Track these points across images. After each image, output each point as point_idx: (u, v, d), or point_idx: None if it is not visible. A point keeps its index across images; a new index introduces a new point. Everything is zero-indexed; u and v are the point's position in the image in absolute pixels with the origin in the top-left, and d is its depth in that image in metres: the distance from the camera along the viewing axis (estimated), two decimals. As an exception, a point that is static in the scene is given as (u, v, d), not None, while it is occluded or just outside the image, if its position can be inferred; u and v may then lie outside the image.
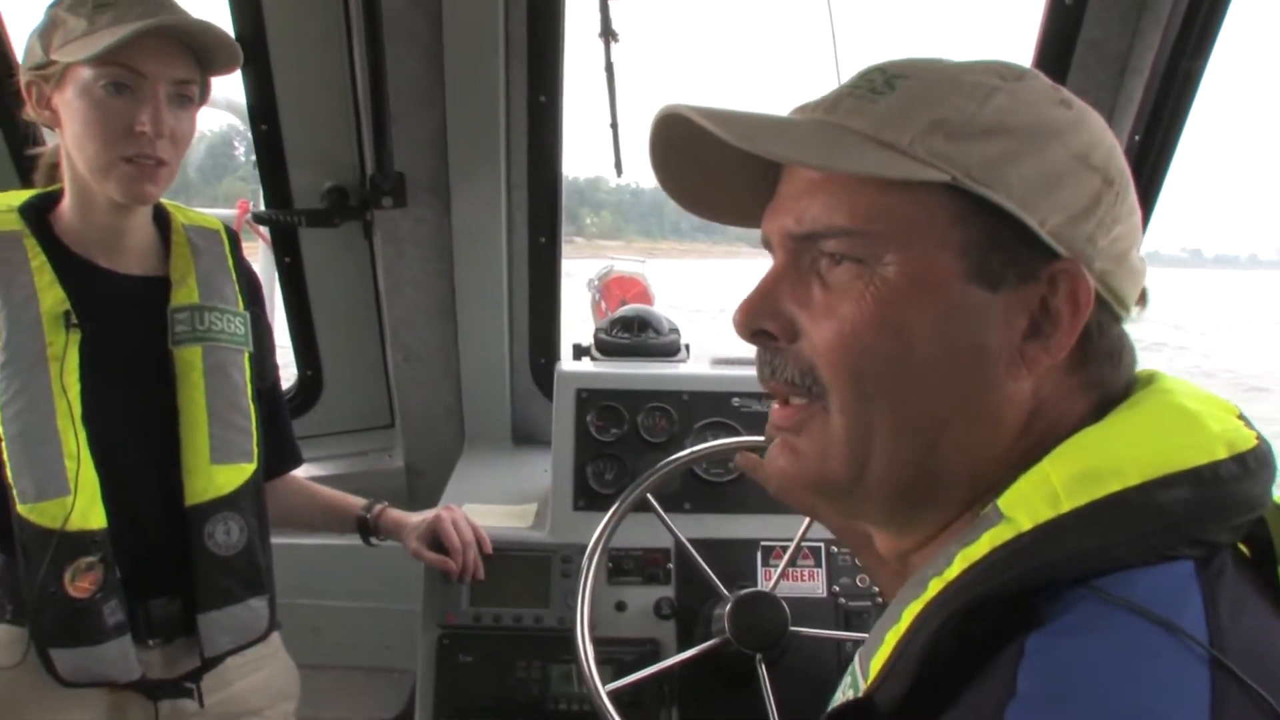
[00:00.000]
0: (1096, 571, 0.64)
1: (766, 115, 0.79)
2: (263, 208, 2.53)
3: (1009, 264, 0.72)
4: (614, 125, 2.45)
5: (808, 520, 1.87)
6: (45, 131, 2.25)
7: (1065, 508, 0.66)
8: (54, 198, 1.65)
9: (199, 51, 1.58)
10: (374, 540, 1.98)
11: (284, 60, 2.31)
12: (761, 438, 1.90)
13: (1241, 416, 0.74)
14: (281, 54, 2.30)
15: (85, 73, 1.50)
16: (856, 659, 0.79)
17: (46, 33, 1.53)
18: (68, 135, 1.55)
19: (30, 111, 1.59)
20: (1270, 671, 0.60)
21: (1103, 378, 0.77)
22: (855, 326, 0.74)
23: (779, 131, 0.76)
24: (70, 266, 1.60)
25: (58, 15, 1.52)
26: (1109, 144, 0.76)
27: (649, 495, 1.87)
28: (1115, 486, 0.65)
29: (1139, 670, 0.59)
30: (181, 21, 1.52)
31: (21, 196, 1.65)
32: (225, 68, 1.63)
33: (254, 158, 2.50)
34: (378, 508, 1.97)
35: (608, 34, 2.28)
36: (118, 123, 1.51)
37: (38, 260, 1.57)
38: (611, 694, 1.71)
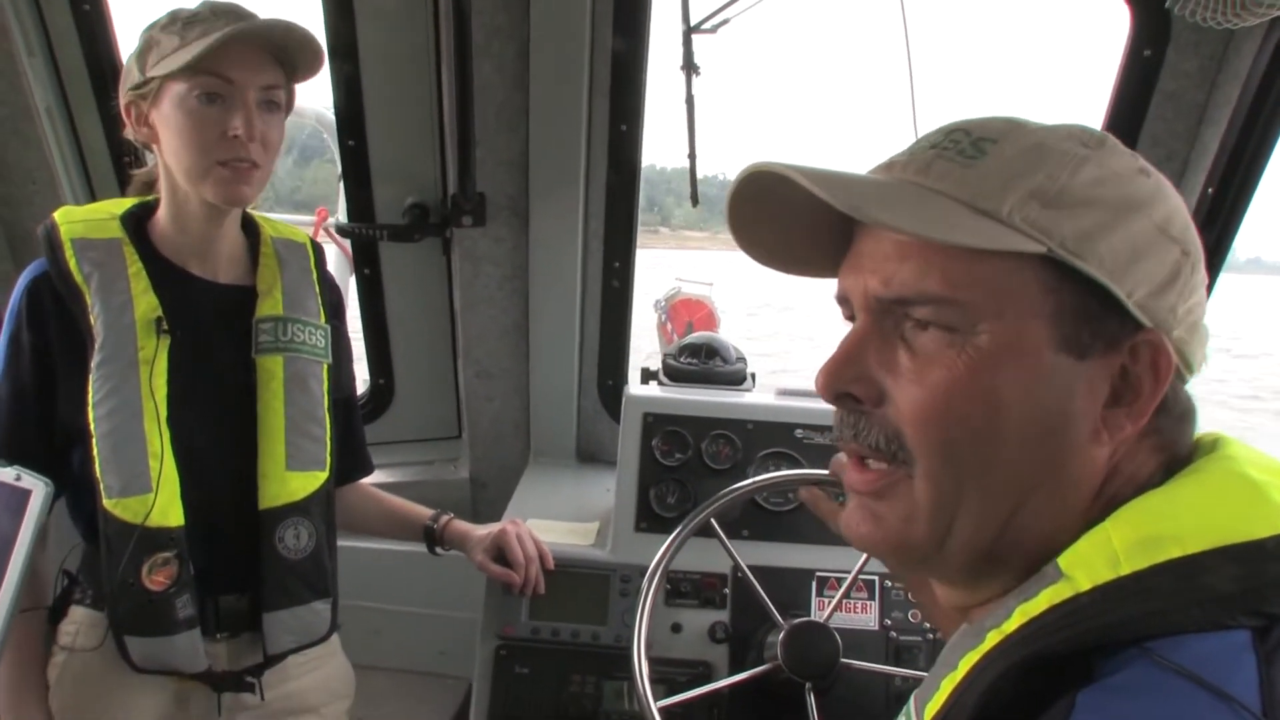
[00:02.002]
0: (1152, 634, 0.65)
1: (861, 176, 0.80)
2: (343, 217, 2.61)
3: (1097, 334, 0.73)
4: (692, 155, 2.49)
5: (864, 556, 1.89)
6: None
7: (1124, 570, 0.67)
8: (151, 207, 1.73)
9: (283, 58, 1.65)
10: (439, 550, 2.03)
11: (374, 78, 2.38)
12: (824, 471, 1.93)
13: None
14: (372, 72, 2.37)
15: (179, 86, 1.57)
16: (912, 700, 0.81)
17: (142, 55, 1.61)
18: (165, 147, 1.63)
19: (130, 132, 1.67)
20: None
21: (1173, 440, 0.78)
22: (947, 394, 0.74)
23: (879, 196, 0.76)
24: (164, 273, 1.68)
25: (152, 37, 1.60)
26: (1185, 215, 0.77)
27: (712, 520, 1.90)
28: (1175, 553, 0.66)
29: None
30: (264, 25, 1.58)
31: (123, 205, 1.73)
32: (310, 70, 1.69)
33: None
34: (444, 519, 2.01)
35: (689, 67, 2.33)
36: (212, 129, 1.58)
37: (135, 267, 1.65)
38: (663, 710, 1.74)
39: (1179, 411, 0.78)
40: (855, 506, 0.82)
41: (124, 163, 2.52)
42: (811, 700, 1.77)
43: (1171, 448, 0.78)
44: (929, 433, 0.75)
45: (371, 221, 2.56)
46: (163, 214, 1.71)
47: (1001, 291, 0.73)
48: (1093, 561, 0.68)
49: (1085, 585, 0.67)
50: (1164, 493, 0.72)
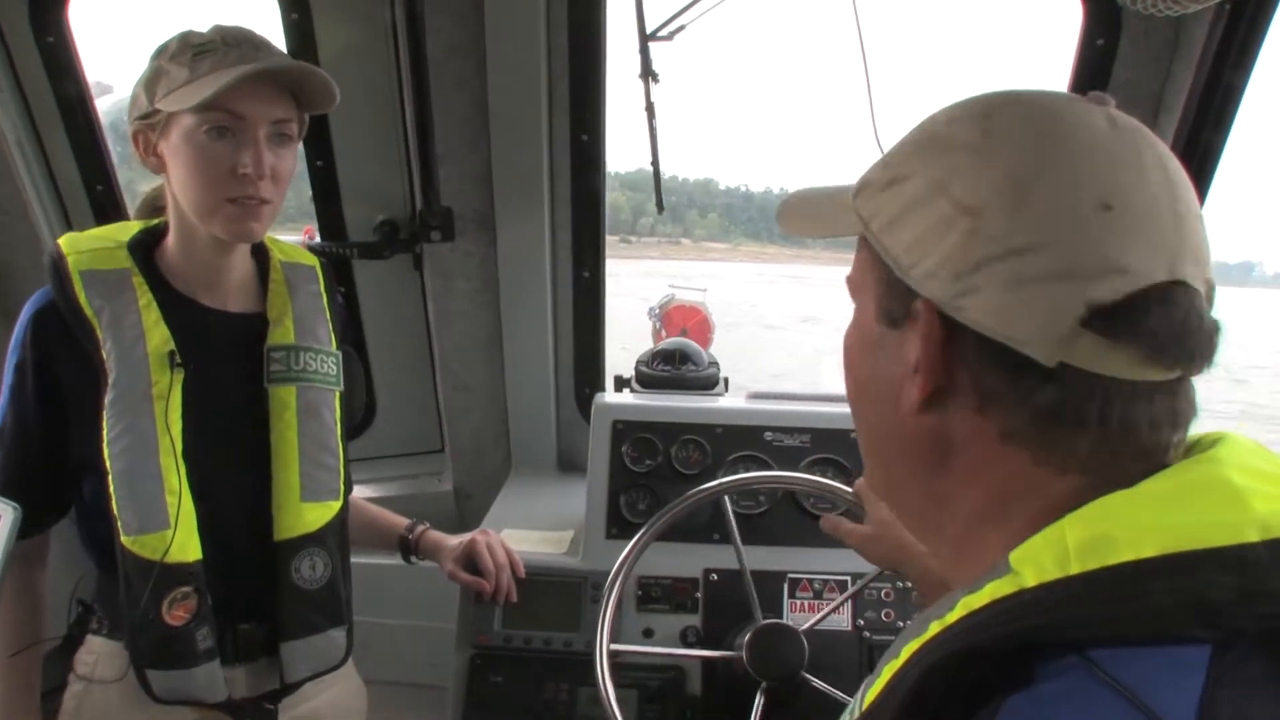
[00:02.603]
0: (1098, 641, 0.62)
1: (813, 193, 0.91)
2: (315, 238, 2.63)
3: (895, 302, 0.75)
4: (655, 163, 2.51)
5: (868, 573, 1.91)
6: (128, 169, 2.39)
7: (1073, 570, 0.63)
8: (158, 233, 1.70)
9: (296, 91, 1.61)
10: (414, 560, 2.04)
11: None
12: (789, 474, 1.94)
13: None
14: None
15: (188, 119, 1.53)
16: (862, 687, 0.79)
17: (151, 83, 1.56)
18: (173, 179, 1.60)
19: (139, 158, 1.63)
20: None
21: (1023, 426, 0.71)
22: (845, 362, 0.86)
23: (802, 207, 0.91)
24: (174, 303, 1.65)
25: (161, 66, 1.55)
26: (981, 176, 0.70)
27: (727, 503, 1.93)
28: (1128, 556, 0.61)
29: None
30: (280, 65, 1.55)
31: (129, 231, 1.69)
32: (323, 107, 1.65)
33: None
34: (419, 529, 2.02)
35: (648, 75, 2.34)
36: (221, 166, 1.54)
37: (145, 299, 1.61)
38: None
39: (1045, 406, 0.69)
40: None
41: (98, 191, 2.54)
42: (760, 701, 1.77)
43: (1024, 437, 0.71)
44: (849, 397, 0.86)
45: (343, 240, 2.58)
46: (171, 242, 1.68)
47: (860, 272, 0.81)
48: (1042, 558, 0.65)
49: (1031, 582, 0.64)
50: (1130, 493, 0.66)
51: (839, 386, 0.91)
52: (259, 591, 1.70)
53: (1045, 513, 0.69)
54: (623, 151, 2.64)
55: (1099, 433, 0.69)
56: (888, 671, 0.71)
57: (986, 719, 0.62)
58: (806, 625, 1.86)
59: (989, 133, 0.72)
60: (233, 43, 1.54)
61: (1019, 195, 0.69)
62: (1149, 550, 0.61)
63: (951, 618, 0.67)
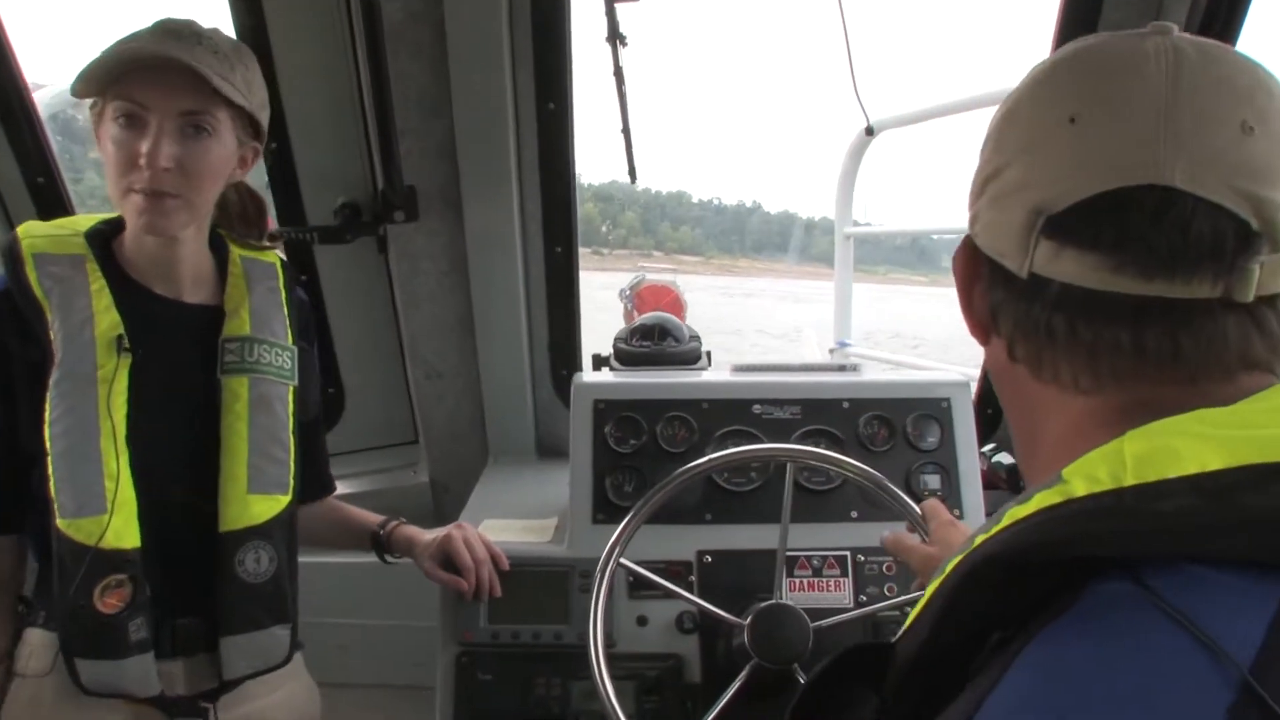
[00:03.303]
0: (1150, 560, 0.57)
1: None
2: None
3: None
4: (626, 131, 2.41)
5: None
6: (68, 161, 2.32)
7: (1128, 482, 0.58)
8: (119, 224, 1.69)
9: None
10: (388, 559, 1.97)
11: (290, 77, 2.30)
12: (781, 445, 1.86)
13: None
14: (287, 71, 2.29)
15: (108, 107, 1.55)
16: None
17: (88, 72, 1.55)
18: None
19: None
20: None
21: (1016, 345, 0.75)
22: None
23: None
24: (128, 292, 1.64)
25: (100, 56, 1.55)
26: (1002, 110, 0.78)
27: (789, 493, 1.84)
28: (1190, 469, 0.57)
29: (1144, 680, 0.53)
30: (147, 51, 1.52)
31: (90, 221, 1.69)
32: (230, 96, 1.60)
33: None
34: (391, 525, 1.96)
35: (615, 38, 2.24)
36: (124, 154, 1.54)
37: (97, 284, 1.61)
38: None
39: (1016, 320, 0.74)
40: None
41: (39, 184, 2.44)
42: (746, 673, 1.71)
43: (1021, 354, 0.75)
44: None
45: (303, 224, 2.47)
46: (127, 232, 1.67)
47: None
48: (1096, 470, 0.60)
49: (1080, 492, 0.60)
50: (1197, 414, 0.62)
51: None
52: (201, 585, 1.68)
53: (1070, 435, 0.71)
54: (593, 163, 2.59)
55: (1084, 349, 0.69)
56: (930, 589, 0.68)
57: (1022, 644, 0.58)
58: (822, 622, 1.77)
59: (1036, 78, 0.76)
60: (157, 30, 1.55)
61: (1008, 120, 0.76)
62: (1215, 463, 0.56)
63: (996, 529, 0.64)
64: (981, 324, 0.78)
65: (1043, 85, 0.74)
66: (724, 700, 1.68)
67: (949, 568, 0.66)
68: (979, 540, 0.64)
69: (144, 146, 1.52)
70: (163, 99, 1.53)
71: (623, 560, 1.77)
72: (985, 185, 0.75)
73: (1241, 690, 0.50)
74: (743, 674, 1.71)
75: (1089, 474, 0.60)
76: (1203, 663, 0.52)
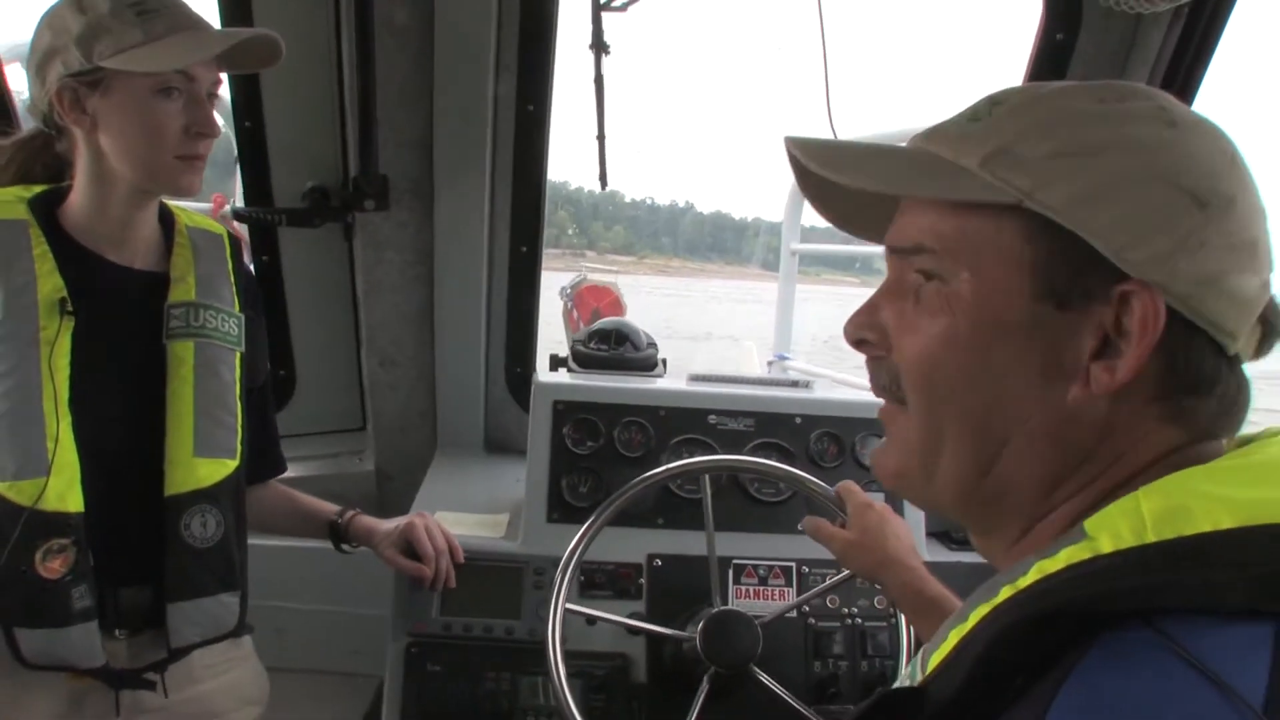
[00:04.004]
0: (1167, 610, 0.62)
1: (865, 144, 0.85)
2: (241, 204, 2.52)
3: (1075, 283, 0.72)
4: (600, 137, 2.45)
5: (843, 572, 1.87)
6: None
7: (1150, 539, 0.63)
8: (62, 193, 1.67)
9: (232, 55, 1.63)
10: (345, 547, 1.98)
11: None
12: (739, 457, 1.92)
13: None
14: None
15: (140, 79, 1.55)
16: (920, 653, 0.82)
17: (86, 40, 1.53)
18: (110, 137, 1.58)
19: (58, 115, 1.59)
20: None
21: (1191, 410, 0.74)
22: (931, 340, 0.78)
23: (859, 159, 0.82)
24: (73, 257, 1.63)
25: (100, 21, 1.53)
26: (1209, 165, 0.73)
27: (709, 501, 1.90)
28: (1205, 527, 0.62)
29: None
30: (250, 35, 1.62)
31: (32, 190, 1.66)
32: (255, 69, 1.75)
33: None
34: (349, 514, 1.96)
35: (599, 46, 2.28)
36: (173, 124, 1.57)
37: (40, 248, 1.59)
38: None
39: (1196, 378, 0.73)
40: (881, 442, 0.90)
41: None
42: (706, 686, 1.75)
43: (1191, 419, 0.74)
44: (918, 375, 0.80)
45: (269, 205, 2.47)
46: (80, 199, 1.65)
47: (980, 241, 0.76)
48: (1119, 526, 0.65)
49: (1107, 548, 0.65)
50: (1203, 469, 0.69)
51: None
52: (146, 552, 1.66)
53: (1127, 478, 0.74)
54: (576, 171, 2.62)
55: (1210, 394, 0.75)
56: (954, 636, 0.72)
57: (1053, 685, 0.62)
58: (764, 616, 1.83)
59: (1174, 124, 0.74)
60: (169, 3, 1.58)
61: (1228, 195, 0.73)
62: (1226, 523, 0.62)
63: (1024, 582, 0.67)
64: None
65: (1239, 170, 0.75)
66: (694, 715, 1.72)
67: (975, 617, 0.70)
68: (1006, 593, 0.68)
69: (198, 116, 1.59)
70: (207, 72, 1.61)
71: (568, 605, 1.80)
72: (1223, 263, 0.72)
73: None
74: (704, 685, 1.75)
75: (1113, 530, 0.65)
76: (1218, 702, 0.57)
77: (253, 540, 1.87)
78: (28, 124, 1.77)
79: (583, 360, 2.45)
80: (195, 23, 1.59)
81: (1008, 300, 0.74)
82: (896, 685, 0.81)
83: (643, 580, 2.04)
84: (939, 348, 0.78)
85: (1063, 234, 0.72)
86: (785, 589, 2.05)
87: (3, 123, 2.20)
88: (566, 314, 10.17)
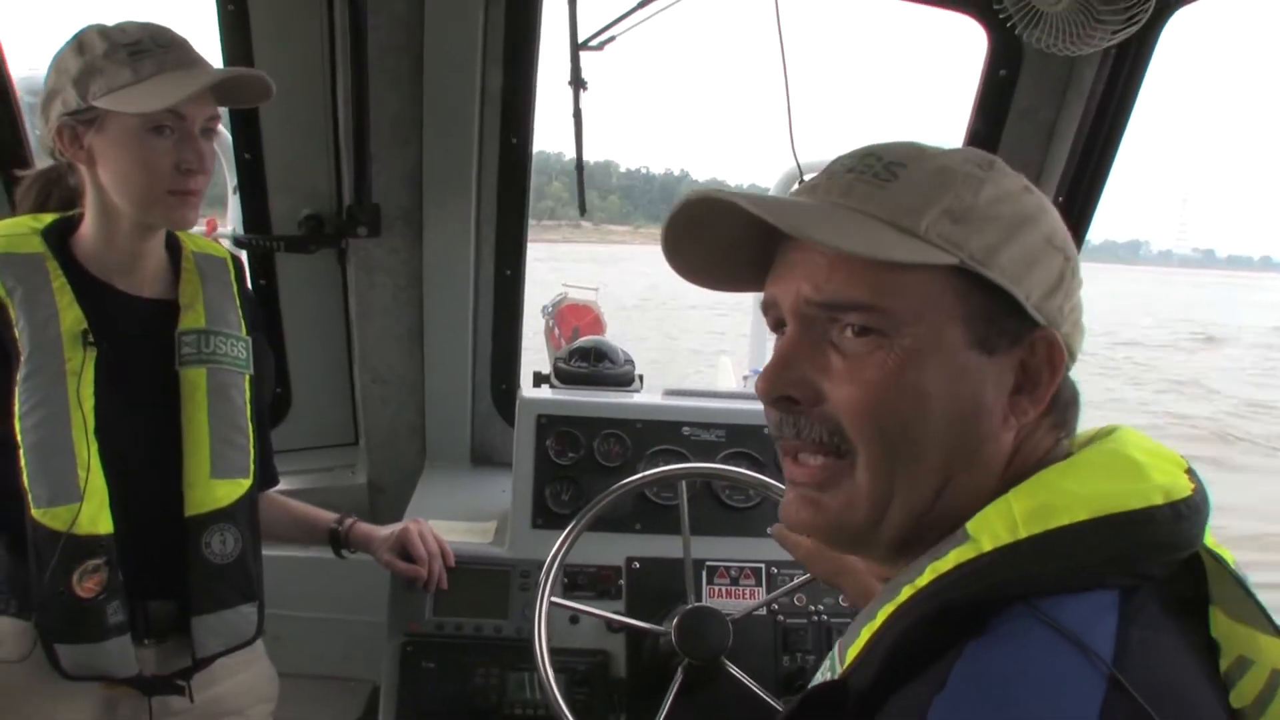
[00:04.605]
0: (1040, 592, 0.75)
1: (794, 200, 0.90)
2: (234, 229, 2.64)
3: (1002, 333, 0.84)
4: (579, 168, 2.59)
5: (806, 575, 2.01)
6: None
7: (1021, 535, 0.76)
8: (72, 223, 1.74)
9: (229, 90, 1.72)
10: (345, 553, 2.09)
11: None
12: (711, 465, 2.05)
13: (1189, 470, 0.84)
14: None
15: (131, 118, 1.61)
16: (836, 647, 0.91)
17: (82, 80, 1.61)
18: (108, 172, 1.66)
19: (59, 152, 1.69)
20: (1163, 694, 0.70)
21: (1066, 418, 0.90)
22: (880, 390, 0.82)
23: (813, 217, 0.85)
24: (88, 288, 1.70)
25: (93, 64, 1.61)
26: (1063, 226, 0.89)
27: (685, 506, 2.04)
28: (1064, 520, 0.76)
29: (1042, 679, 0.70)
30: (234, 73, 1.70)
31: (43, 220, 1.73)
32: (250, 104, 1.80)
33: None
34: (348, 522, 2.07)
35: (577, 82, 2.42)
36: (164, 161, 1.63)
37: (59, 281, 1.66)
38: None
39: (1068, 395, 0.89)
40: (794, 497, 0.90)
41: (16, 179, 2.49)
42: (680, 677, 1.88)
43: (1064, 426, 0.90)
44: (865, 424, 0.83)
45: (267, 233, 2.59)
46: (89, 231, 1.72)
47: (921, 299, 0.82)
48: (995, 526, 0.78)
49: (988, 546, 0.77)
50: (1060, 469, 0.82)
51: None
52: (170, 568, 1.74)
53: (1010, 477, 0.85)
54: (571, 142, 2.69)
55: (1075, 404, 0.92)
56: (866, 632, 0.84)
57: (950, 662, 0.73)
58: (735, 613, 1.97)
59: (1031, 190, 0.89)
60: (164, 44, 1.65)
61: (1073, 250, 0.89)
62: (1081, 515, 0.76)
63: (921, 581, 0.80)
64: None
65: (1058, 217, 0.91)
66: (669, 702, 1.86)
67: (883, 614, 0.82)
68: (907, 592, 0.80)
69: (189, 154, 1.65)
70: (198, 109, 1.66)
71: (553, 599, 1.93)
72: (1074, 298, 0.89)
73: (1109, 679, 0.70)
74: (678, 676, 1.89)
75: (991, 531, 0.78)
76: (1076, 657, 0.72)
77: (253, 551, 1.97)
78: (40, 160, 1.85)
79: (564, 377, 2.57)
80: (186, 62, 1.65)
81: (950, 352, 0.83)
82: (816, 678, 0.93)
83: (622, 582, 2.18)
84: (890, 396, 0.82)
85: (988, 291, 0.83)
86: (755, 588, 2.19)
87: (19, 159, 2.32)
88: (548, 332, 10.22)
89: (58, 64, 1.65)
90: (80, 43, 1.63)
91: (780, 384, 0.87)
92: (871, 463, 0.84)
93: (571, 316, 10.18)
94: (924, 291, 0.82)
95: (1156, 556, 0.78)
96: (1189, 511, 0.78)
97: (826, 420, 0.85)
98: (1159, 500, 0.77)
